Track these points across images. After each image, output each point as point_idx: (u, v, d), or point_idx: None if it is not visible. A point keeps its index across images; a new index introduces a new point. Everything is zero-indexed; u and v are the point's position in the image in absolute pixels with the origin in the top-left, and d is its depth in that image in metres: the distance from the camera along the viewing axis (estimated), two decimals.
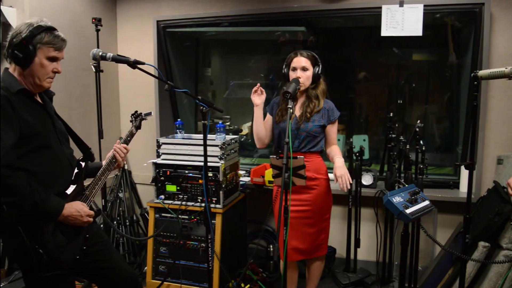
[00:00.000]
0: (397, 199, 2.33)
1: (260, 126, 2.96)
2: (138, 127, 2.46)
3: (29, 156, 1.88)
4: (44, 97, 2.09)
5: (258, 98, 2.87)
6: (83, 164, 2.17)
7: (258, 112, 2.91)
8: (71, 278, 2.07)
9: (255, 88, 2.87)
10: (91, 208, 2.09)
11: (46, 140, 1.97)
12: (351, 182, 2.66)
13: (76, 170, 2.12)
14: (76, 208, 1.98)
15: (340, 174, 2.65)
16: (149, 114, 2.54)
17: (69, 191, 2.04)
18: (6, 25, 3.41)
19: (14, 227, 1.83)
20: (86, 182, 2.18)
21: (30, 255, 1.86)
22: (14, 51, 1.88)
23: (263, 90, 2.87)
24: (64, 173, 2.05)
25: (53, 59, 1.96)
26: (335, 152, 2.85)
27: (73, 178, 2.09)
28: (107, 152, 2.34)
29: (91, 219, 2.06)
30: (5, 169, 1.74)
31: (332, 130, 2.90)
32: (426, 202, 2.45)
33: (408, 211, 2.30)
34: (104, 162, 2.26)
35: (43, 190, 1.87)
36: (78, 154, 2.25)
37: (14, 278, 3.03)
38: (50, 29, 1.95)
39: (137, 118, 2.46)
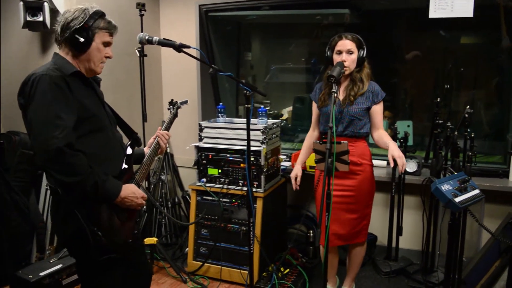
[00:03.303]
0: (445, 187, 2.26)
1: (308, 150, 3.10)
2: (175, 115, 2.49)
3: (84, 139, 1.89)
4: (92, 82, 2.09)
5: (299, 179, 3.03)
6: (132, 148, 2.16)
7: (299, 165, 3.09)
8: (120, 261, 2.05)
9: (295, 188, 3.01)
10: None
11: (100, 123, 1.98)
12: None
13: (128, 153, 2.12)
14: (132, 190, 2.00)
15: (399, 155, 2.52)
16: (184, 102, 2.58)
17: (122, 173, 2.05)
18: (54, 11, 3.50)
19: (71, 212, 1.84)
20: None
21: (87, 239, 1.86)
22: (74, 35, 1.90)
23: (294, 179, 3.02)
24: (117, 156, 2.06)
25: (107, 44, 2.01)
26: (386, 137, 2.74)
27: (125, 162, 2.09)
28: (151, 135, 2.37)
29: (144, 202, 2.08)
30: (67, 148, 1.75)
31: (377, 112, 2.81)
32: (476, 191, 2.37)
33: (457, 199, 2.23)
34: (146, 149, 2.30)
35: (101, 171, 1.88)
36: (124, 139, 2.28)
37: (63, 255, 3.14)
38: (104, 15, 1.99)
39: (174, 107, 2.50)
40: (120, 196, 1.94)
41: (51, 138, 1.72)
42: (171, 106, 2.51)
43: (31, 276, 2.87)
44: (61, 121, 1.76)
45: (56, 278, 2.96)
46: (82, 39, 1.91)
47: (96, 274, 2.00)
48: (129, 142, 2.18)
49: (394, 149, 2.56)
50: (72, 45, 1.93)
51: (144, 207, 3.78)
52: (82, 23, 1.90)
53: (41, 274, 2.91)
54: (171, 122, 2.43)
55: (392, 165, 2.56)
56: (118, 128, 2.23)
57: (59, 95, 1.80)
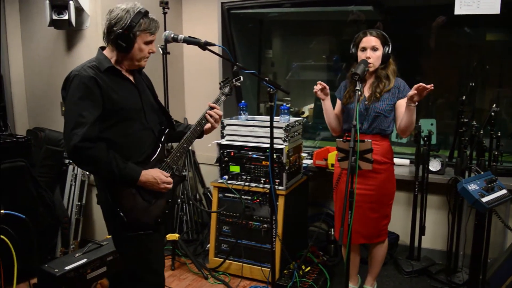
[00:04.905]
0: (472, 187, 2.23)
1: (332, 117, 2.95)
2: (227, 94, 2.39)
3: (112, 129, 2.04)
4: (134, 71, 2.21)
5: (322, 94, 2.84)
6: (165, 132, 2.27)
7: (326, 105, 2.90)
8: (156, 237, 2.23)
9: (315, 90, 2.83)
10: (173, 175, 2.20)
11: (130, 114, 2.10)
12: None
13: (158, 139, 2.24)
14: (153, 175, 2.10)
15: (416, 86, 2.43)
16: (238, 79, 2.42)
17: (147, 159, 2.17)
18: (80, 9, 3.55)
19: (103, 191, 2.07)
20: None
21: (113, 216, 2.07)
22: (117, 41, 2.01)
23: (324, 84, 2.81)
24: (145, 144, 2.17)
25: (149, 43, 2.08)
26: None
27: (154, 146, 2.21)
28: None
29: (169, 186, 2.17)
30: (85, 143, 1.91)
31: (403, 105, 2.74)
32: (504, 191, 2.33)
33: (484, 199, 2.20)
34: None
35: (121, 159, 2.02)
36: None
37: (88, 249, 3.18)
38: (146, 14, 2.04)
39: (226, 84, 2.40)
40: (140, 181, 2.07)
41: (72, 135, 1.92)
42: (221, 84, 2.41)
43: (56, 270, 2.91)
44: (83, 119, 1.93)
45: (81, 272, 3.00)
46: (124, 44, 2.01)
47: (129, 248, 2.17)
48: (163, 127, 2.29)
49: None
50: (116, 47, 2.05)
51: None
52: (124, 29, 1.98)
53: (66, 268, 2.94)
54: (217, 100, 2.37)
55: (415, 96, 2.47)
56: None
57: (84, 94, 1.96)
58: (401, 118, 2.75)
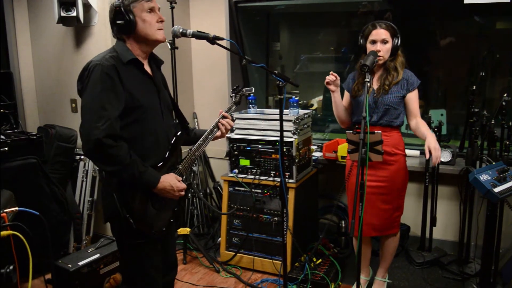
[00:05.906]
0: (484, 177, 2.22)
1: (341, 109, 2.93)
2: (237, 103, 2.42)
3: (128, 128, 1.95)
4: (153, 67, 2.14)
5: (333, 86, 2.81)
6: (179, 136, 2.18)
7: (336, 97, 2.87)
8: (158, 247, 2.15)
9: (327, 80, 2.79)
10: (184, 182, 2.12)
11: (147, 113, 2.00)
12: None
13: (172, 142, 2.15)
14: (170, 183, 2.02)
15: (436, 146, 2.47)
16: (249, 89, 2.49)
17: (163, 164, 2.08)
18: (87, 6, 3.56)
19: (111, 194, 1.95)
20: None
21: (121, 222, 1.96)
22: (116, 23, 1.96)
23: (336, 75, 2.78)
24: (160, 146, 2.08)
25: (150, 11, 2.00)
26: (424, 127, 2.68)
27: (168, 151, 2.12)
28: None
29: (183, 194, 2.09)
30: (108, 139, 1.81)
31: (413, 99, 2.75)
32: None
33: (496, 190, 2.18)
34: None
35: (141, 162, 1.93)
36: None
37: (101, 244, 3.22)
38: None
39: (238, 94, 2.42)
40: (158, 188, 1.98)
41: (94, 128, 1.80)
42: (233, 94, 2.45)
43: (70, 265, 2.96)
44: (105, 112, 1.83)
45: (94, 267, 3.04)
46: (122, 22, 1.94)
47: (131, 254, 2.09)
48: (178, 130, 2.22)
49: (431, 141, 2.50)
50: (122, 32, 1.99)
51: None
52: (114, 9, 1.94)
53: (80, 263, 2.99)
54: (229, 109, 2.38)
55: (427, 156, 2.49)
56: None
57: (108, 85, 1.86)
58: (412, 115, 2.76)
